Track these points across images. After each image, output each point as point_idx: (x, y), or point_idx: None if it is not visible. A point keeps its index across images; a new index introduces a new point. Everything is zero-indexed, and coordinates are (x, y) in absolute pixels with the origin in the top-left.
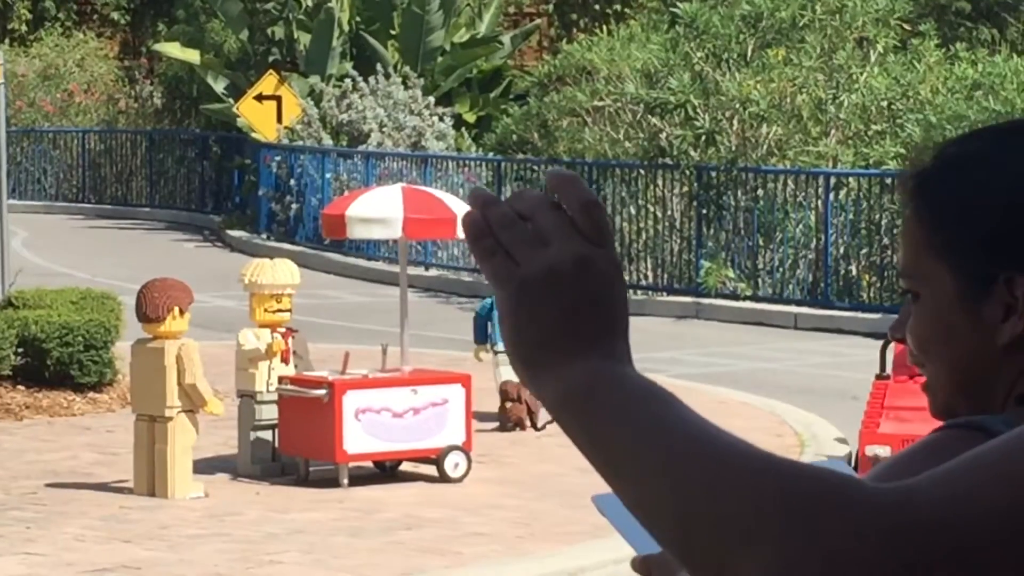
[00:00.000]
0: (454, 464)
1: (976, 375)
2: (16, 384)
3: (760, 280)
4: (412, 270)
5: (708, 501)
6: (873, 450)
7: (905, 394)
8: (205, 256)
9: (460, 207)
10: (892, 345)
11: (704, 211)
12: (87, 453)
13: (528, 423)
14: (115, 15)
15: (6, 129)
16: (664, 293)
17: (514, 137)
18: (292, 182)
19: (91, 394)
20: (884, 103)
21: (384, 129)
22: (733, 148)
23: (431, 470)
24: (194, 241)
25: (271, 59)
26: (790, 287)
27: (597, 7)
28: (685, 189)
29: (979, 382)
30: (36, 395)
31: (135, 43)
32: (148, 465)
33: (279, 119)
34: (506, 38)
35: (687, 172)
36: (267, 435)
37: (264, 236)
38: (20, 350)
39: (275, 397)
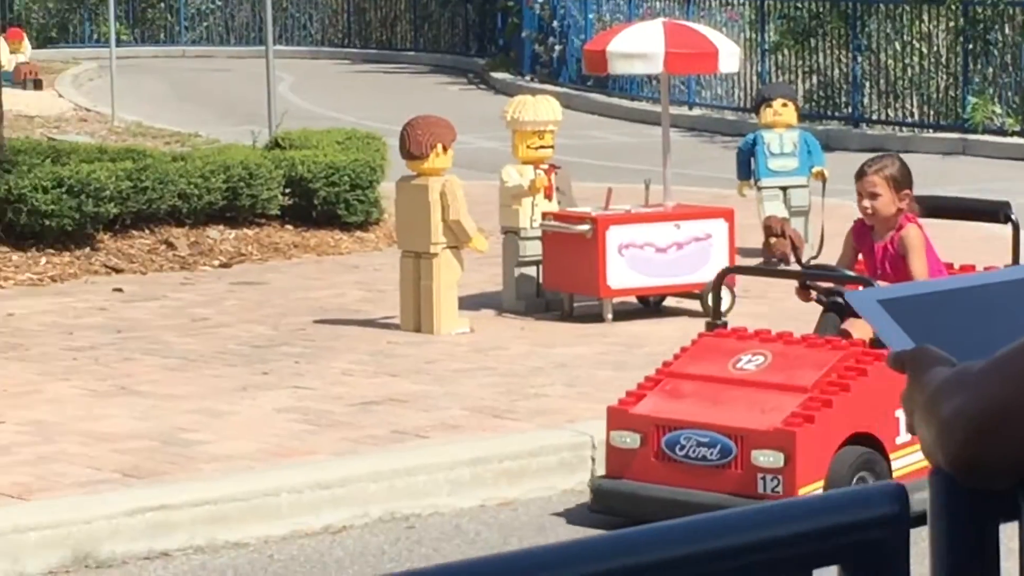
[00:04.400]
0: None
1: None
2: (284, 224)
3: None
4: (675, 109)
5: None
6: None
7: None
8: (469, 99)
9: (722, 41)
10: None
11: (970, 46)
12: (354, 290)
13: (792, 258)
14: None
15: None
16: (930, 130)
17: None
18: (555, 23)
19: (358, 233)
20: None
21: None
22: None
23: (695, 305)
24: (458, 84)
25: None
26: None
27: None
28: (951, 24)
29: None
30: (304, 234)
31: None
32: (414, 301)
33: None
34: None
35: (953, 7)
36: (531, 271)
37: (528, 78)
38: (287, 190)
39: (538, 233)
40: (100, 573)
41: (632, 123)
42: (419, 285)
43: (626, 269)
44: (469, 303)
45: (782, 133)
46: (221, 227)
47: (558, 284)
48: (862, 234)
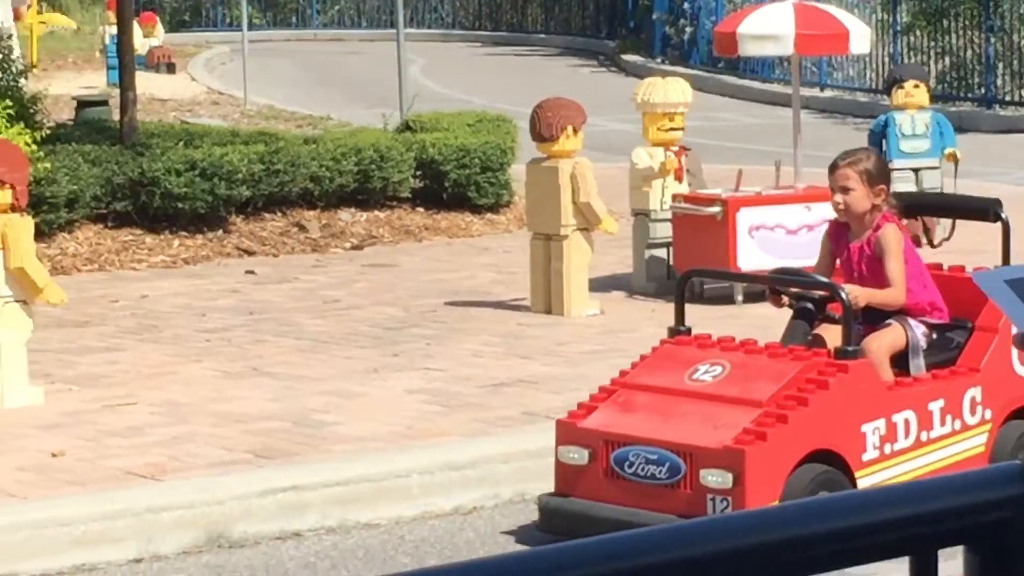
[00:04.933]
0: None
1: None
2: (415, 206)
3: None
4: (807, 91)
5: None
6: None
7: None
8: (600, 81)
9: (852, 22)
10: None
11: None
12: (485, 272)
13: (924, 240)
14: None
15: None
16: None
17: None
18: (686, 5)
19: (488, 215)
20: None
21: None
22: None
23: None
24: (589, 66)
25: None
26: None
27: None
28: None
29: None
30: (435, 216)
31: None
32: (544, 283)
33: None
34: None
35: None
36: (661, 253)
37: (659, 60)
38: (418, 173)
39: (669, 215)
40: (232, 553)
41: (763, 105)
42: (549, 267)
43: (756, 251)
44: (599, 285)
45: (914, 114)
46: (352, 210)
47: (689, 266)
48: (838, 235)
